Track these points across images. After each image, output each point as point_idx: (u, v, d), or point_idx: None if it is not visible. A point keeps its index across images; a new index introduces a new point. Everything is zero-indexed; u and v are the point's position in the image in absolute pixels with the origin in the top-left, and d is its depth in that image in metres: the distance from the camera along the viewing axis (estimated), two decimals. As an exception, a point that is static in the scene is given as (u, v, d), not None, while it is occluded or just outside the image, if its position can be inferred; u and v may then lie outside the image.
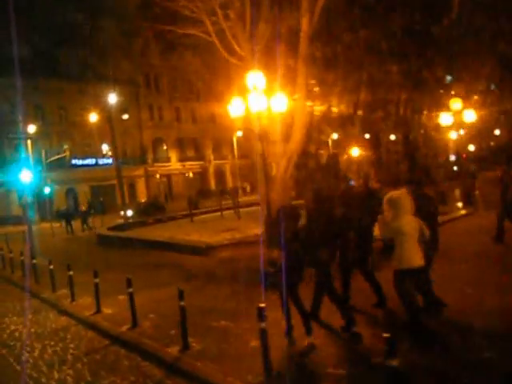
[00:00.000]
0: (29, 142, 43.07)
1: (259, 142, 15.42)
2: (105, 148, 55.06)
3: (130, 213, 40.72)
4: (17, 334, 9.72)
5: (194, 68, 59.31)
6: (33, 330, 9.78)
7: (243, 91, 15.48)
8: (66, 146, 51.04)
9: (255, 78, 14.04)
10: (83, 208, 39.73)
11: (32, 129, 43.49)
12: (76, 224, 33.32)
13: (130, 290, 8.58)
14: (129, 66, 55.60)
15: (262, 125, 15.21)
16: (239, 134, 59.96)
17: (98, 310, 10.04)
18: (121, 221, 35.12)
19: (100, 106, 50.10)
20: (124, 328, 8.63)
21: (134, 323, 8.62)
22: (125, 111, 56.43)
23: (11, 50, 28.05)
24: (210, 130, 65.47)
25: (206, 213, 33.34)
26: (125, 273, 9.93)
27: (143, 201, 43.34)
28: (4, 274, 17.55)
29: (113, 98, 32.03)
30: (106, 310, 10.06)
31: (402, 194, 6.55)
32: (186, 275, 12.76)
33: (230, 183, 67.68)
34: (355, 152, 41.18)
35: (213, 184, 65.57)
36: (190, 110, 63.56)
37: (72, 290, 11.39)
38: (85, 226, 33.40)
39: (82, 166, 52.53)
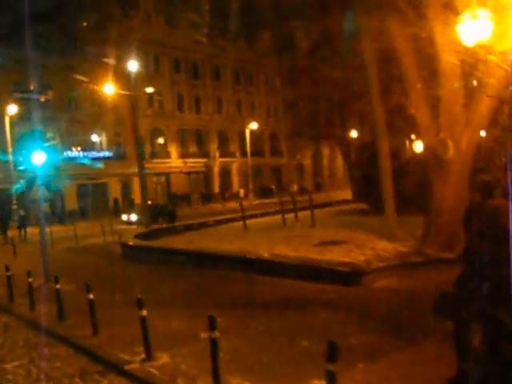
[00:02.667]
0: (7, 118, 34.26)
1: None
2: (95, 139, 45.84)
3: (134, 217, 32.06)
4: None
5: (202, 47, 50.88)
6: None
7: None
8: (50, 134, 41.89)
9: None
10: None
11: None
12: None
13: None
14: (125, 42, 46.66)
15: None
16: (254, 125, 51.61)
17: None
18: (122, 227, 27.01)
19: (93, 86, 41.25)
20: None
21: None
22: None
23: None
24: (215, 122, 56.67)
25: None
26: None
27: (149, 203, 34.40)
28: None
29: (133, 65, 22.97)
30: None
31: None
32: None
33: (235, 186, 59.03)
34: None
35: (217, 186, 56.69)
36: (194, 97, 54.62)
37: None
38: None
39: (71, 159, 42.97)
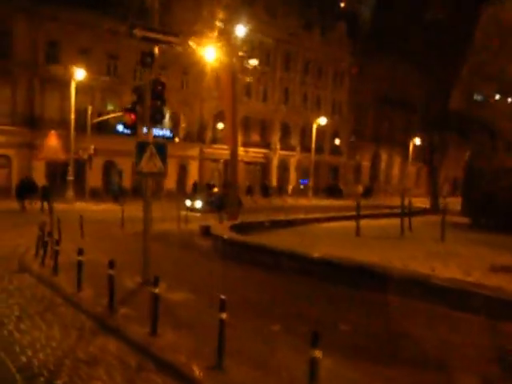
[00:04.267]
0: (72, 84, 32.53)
1: None
2: (158, 117, 43.70)
3: (199, 204, 29.84)
4: None
5: (275, 32, 48.13)
6: None
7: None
8: (111, 107, 40.18)
9: None
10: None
11: (81, 74, 32.66)
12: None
13: None
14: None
15: None
16: (322, 120, 48.78)
17: None
18: (183, 213, 24.23)
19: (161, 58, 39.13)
20: None
21: None
22: (184, 73, 45.24)
23: None
24: (280, 113, 54.06)
25: (335, 219, 22.34)
26: None
27: (216, 190, 32.16)
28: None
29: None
30: None
31: None
32: None
33: (292, 181, 56.42)
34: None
35: (274, 179, 54.14)
36: (264, 83, 52.05)
37: None
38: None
39: (129, 134, 41.01)
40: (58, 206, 30.65)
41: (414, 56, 35.65)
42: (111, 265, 7.48)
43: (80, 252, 8.67)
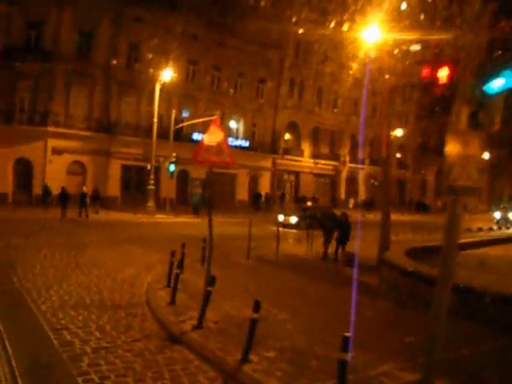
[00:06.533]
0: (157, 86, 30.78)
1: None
2: (233, 125, 41.90)
3: (294, 219, 27.62)
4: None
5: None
6: None
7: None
8: (186, 114, 38.43)
9: None
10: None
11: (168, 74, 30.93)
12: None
13: None
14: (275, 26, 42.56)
15: None
16: (399, 132, 45.98)
17: None
18: (274, 228, 21.66)
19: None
20: None
21: None
22: (261, 81, 43.43)
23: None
24: (351, 124, 51.62)
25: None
26: None
27: (309, 204, 29.85)
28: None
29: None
30: None
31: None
32: None
33: (362, 195, 53.78)
34: None
35: (343, 192, 51.60)
36: (334, 93, 49.74)
37: None
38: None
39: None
40: (140, 218, 28.83)
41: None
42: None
43: (256, 307, 6.04)
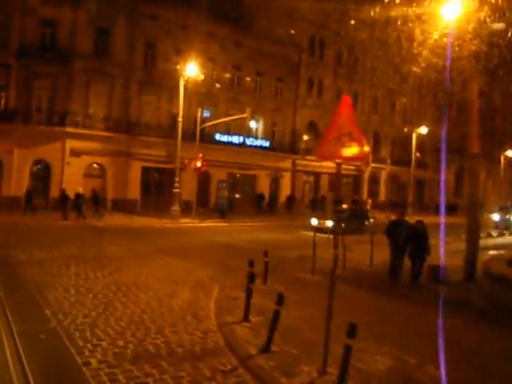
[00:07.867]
0: (181, 82, 29.29)
1: None
2: (253, 125, 40.49)
3: (330, 224, 26.05)
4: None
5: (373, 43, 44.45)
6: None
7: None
8: (206, 114, 37.03)
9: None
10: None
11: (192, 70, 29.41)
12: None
13: None
14: (291, 23, 41.32)
15: None
16: (423, 130, 44.66)
17: None
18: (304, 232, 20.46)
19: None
20: None
21: None
22: (279, 81, 42.11)
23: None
24: (372, 124, 50.15)
25: None
26: None
27: (345, 206, 28.17)
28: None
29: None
30: None
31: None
32: None
33: (382, 195, 52.44)
34: None
35: (365, 193, 50.09)
36: (353, 92, 48.25)
37: None
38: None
39: (226, 143, 37.84)
40: (165, 223, 27.23)
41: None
42: None
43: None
